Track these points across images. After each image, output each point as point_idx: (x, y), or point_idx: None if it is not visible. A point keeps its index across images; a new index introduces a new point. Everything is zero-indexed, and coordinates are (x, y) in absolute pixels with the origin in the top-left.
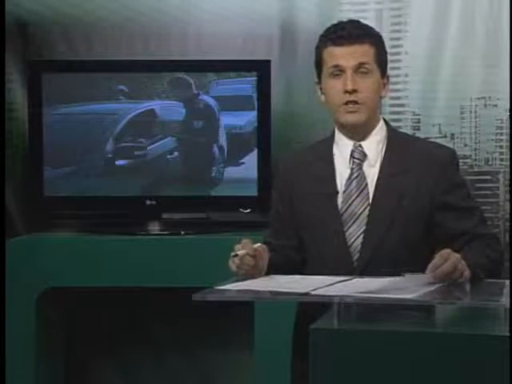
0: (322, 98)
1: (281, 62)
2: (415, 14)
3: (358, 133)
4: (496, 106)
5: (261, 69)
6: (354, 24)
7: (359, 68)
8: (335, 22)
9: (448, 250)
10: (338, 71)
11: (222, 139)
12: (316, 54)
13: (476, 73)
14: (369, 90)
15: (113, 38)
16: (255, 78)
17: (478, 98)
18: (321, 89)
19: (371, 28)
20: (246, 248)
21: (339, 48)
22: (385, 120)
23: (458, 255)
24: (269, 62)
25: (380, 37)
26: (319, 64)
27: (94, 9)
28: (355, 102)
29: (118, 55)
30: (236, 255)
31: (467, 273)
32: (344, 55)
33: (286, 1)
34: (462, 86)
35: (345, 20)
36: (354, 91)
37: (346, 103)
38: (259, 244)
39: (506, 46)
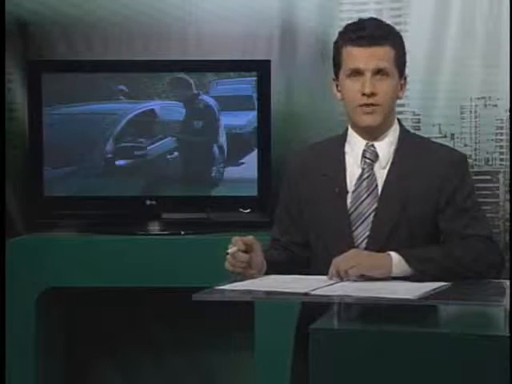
0: (338, 95)
1: (281, 62)
2: (415, 14)
3: (372, 133)
4: (496, 105)
5: (261, 69)
6: (375, 23)
7: (378, 72)
8: (355, 19)
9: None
10: (357, 73)
11: (222, 139)
12: (334, 50)
13: (476, 73)
14: (386, 93)
15: (113, 37)
16: (255, 78)
17: (478, 98)
18: (337, 85)
19: (392, 27)
20: (236, 245)
21: (359, 49)
22: (399, 121)
23: (351, 252)
24: (269, 61)
25: (400, 37)
26: (337, 62)
27: (94, 9)
28: (372, 105)
29: (118, 55)
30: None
31: (356, 269)
32: (363, 57)
33: (286, 1)
34: (462, 86)
35: (365, 18)
36: (372, 94)
37: (363, 105)
38: (251, 237)
39: (506, 46)
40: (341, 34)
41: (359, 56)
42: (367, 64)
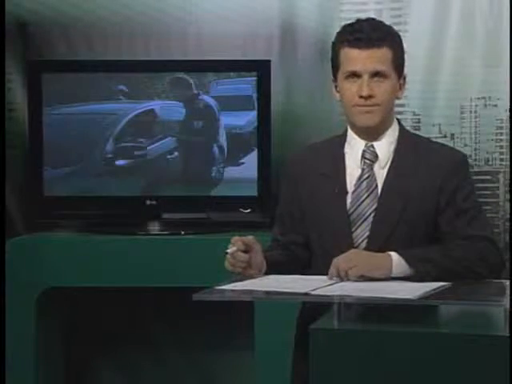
0: (337, 95)
1: (281, 62)
2: (415, 13)
3: (370, 134)
4: (496, 105)
5: (261, 69)
6: (373, 24)
7: (376, 74)
8: (353, 20)
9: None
10: (354, 76)
11: (222, 139)
12: (332, 51)
13: (476, 73)
14: (384, 94)
15: (113, 37)
16: (255, 78)
17: (478, 98)
18: (336, 86)
19: (390, 28)
20: (236, 245)
21: (356, 51)
22: (398, 121)
23: (352, 252)
24: (269, 61)
25: (398, 37)
26: (335, 63)
27: (94, 8)
28: (370, 105)
29: (118, 55)
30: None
31: (357, 269)
32: (361, 59)
33: (286, 1)
34: (462, 86)
35: (363, 18)
36: (370, 97)
37: (360, 106)
38: (251, 237)
39: (506, 46)
40: (338, 34)
41: (357, 58)
42: (365, 66)
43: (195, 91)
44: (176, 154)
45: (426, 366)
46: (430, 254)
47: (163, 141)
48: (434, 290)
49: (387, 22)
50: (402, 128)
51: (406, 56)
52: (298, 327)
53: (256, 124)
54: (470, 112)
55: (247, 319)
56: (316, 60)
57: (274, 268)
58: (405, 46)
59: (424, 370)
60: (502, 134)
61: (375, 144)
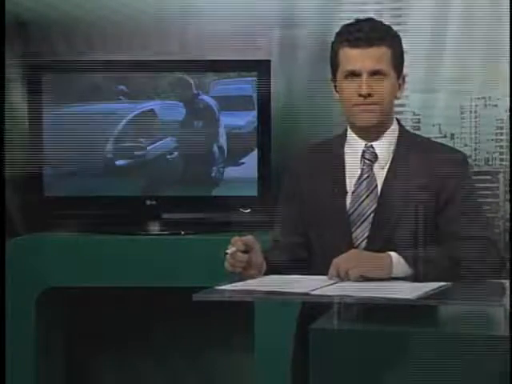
0: (336, 95)
1: (281, 62)
2: (415, 14)
3: (370, 133)
4: (496, 105)
5: (261, 69)
6: (372, 24)
7: (375, 74)
8: (352, 20)
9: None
10: (353, 75)
11: (222, 139)
12: (331, 51)
13: (476, 73)
14: (383, 94)
15: (113, 37)
16: (255, 78)
17: (478, 98)
18: (335, 86)
19: (389, 28)
20: (235, 245)
21: (355, 50)
22: (398, 121)
23: (352, 252)
24: (269, 61)
25: (397, 37)
26: (334, 63)
27: (94, 8)
28: (369, 104)
29: (118, 55)
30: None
31: (357, 270)
32: (360, 58)
33: (286, 1)
34: (462, 86)
35: (362, 18)
36: (369, 95)
37: (359, 105)
38: (250, 237)
39: (506, 45)
40: (338, 34)
41: (356, 57)
42: (364, 65)
43: (195, 91)
44: (176, 153)
45: (425, 366)
46: (430, 254)
47: (163, 141)
48: (434, 290)
49: (387, 22)
50: (401, 128)
51: (405, 56)
52: (297, 327)
53: (256, 124)
54: (470, 112)
55: (247, 319)
56: (316, 60)
57: (273, 268)
58: (405, 46)
59: (424, 370)
60: (502, 134)
61: (374, 144)
